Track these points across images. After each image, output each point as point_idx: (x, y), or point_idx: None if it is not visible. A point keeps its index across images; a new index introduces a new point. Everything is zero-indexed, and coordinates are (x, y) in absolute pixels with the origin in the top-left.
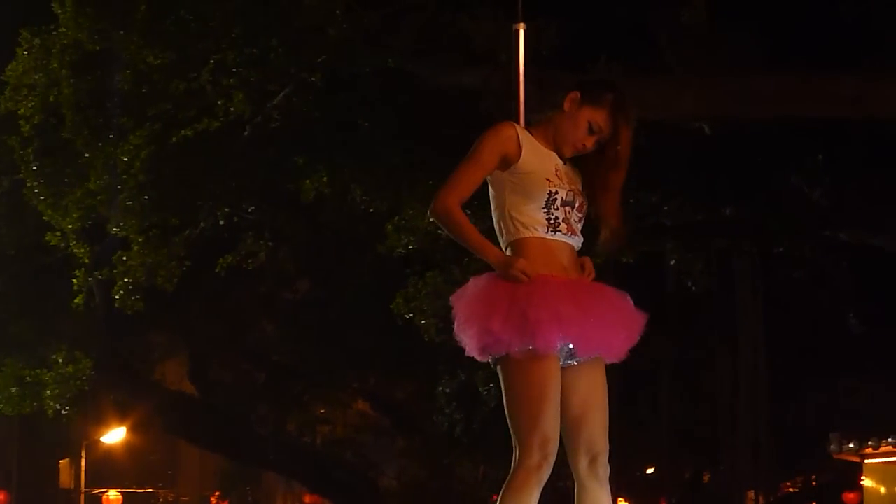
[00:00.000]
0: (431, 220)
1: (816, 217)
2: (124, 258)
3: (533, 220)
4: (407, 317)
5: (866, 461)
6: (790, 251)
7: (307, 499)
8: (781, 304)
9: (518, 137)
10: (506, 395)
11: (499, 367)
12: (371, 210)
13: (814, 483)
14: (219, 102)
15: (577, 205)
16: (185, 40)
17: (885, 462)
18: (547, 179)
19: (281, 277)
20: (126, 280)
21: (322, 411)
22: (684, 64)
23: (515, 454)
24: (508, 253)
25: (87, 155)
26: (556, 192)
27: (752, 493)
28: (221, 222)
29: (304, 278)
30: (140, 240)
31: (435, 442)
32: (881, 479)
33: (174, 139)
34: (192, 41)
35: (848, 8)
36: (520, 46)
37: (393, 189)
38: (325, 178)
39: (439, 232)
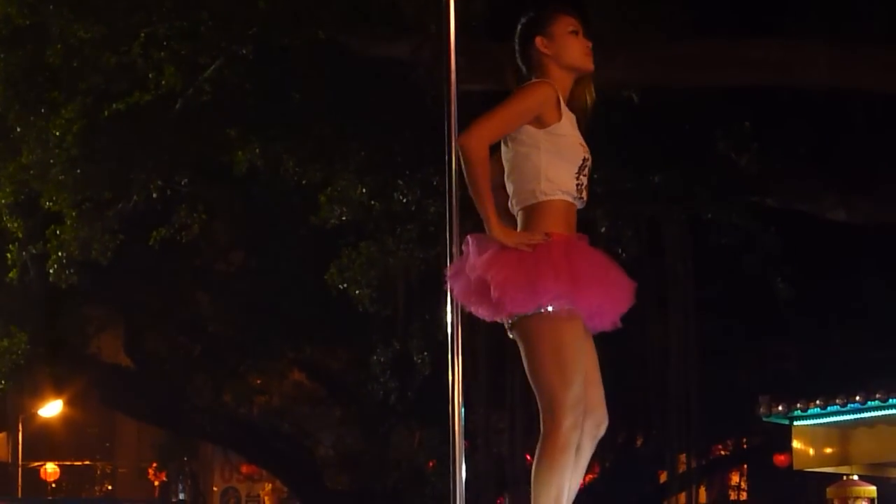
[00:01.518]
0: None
1: (744, 183)
2: (58, 232)
3: (566, 184)
4: (341, 287)
5: (795, 423)
6: (718, 217)
7: (245, 469)
8: (710, 269)
9: (559, 99)
10: (537, 355)
11: (523, 327)
12: (304, 181)
13: (744, 446)
14: (150, 76)
15: (587, 168)
16: (115, 14)
17: (813, 424)
18: (581, 144)
19: (215, 249)
20: (60, 254)
21: (258, 382)
22: (612, 32)
23: (546, 417)
24: (529, 215)
25: (18, 129)
26: (587, 159)
27: (683, 456)
28: (155, 195)
29: (238, 250)
30: (73, 213)
31: (370, 411)
32: (810, 441)
33: (106, 113)
34: (123, 15)
35: None
36: (450, 17)
37: (325, 160)
38: (257, 150)
39: (372, 203)
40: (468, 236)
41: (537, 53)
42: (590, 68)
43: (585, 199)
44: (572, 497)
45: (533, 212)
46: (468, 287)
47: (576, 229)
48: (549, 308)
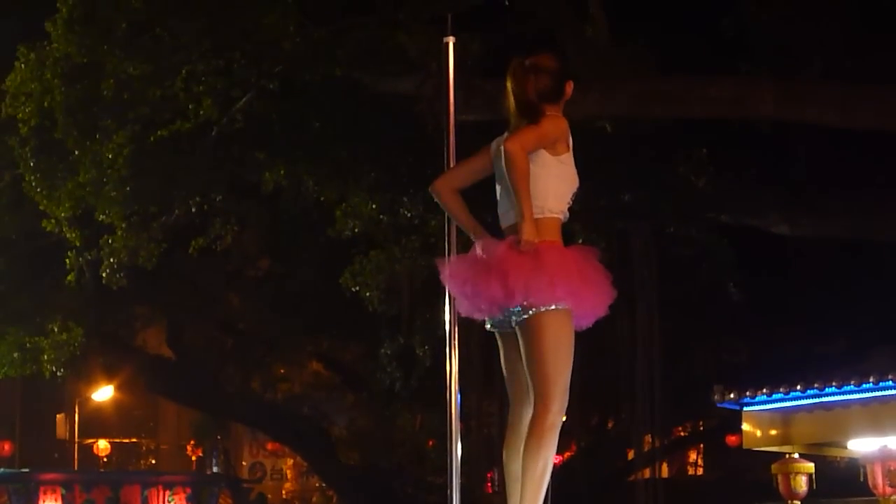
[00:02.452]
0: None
1: (701, 202)
2: (110, 241)
3: (564, 205)
4: (354, 289)
5: (744, 409)
6: (679, 231)
7: (270, 446)
8: (672, 276)
9: (569, 133)
10: (544, 346)
11: (536, 321)
12: (322, 198)
13: (701, 428)
14: (190, 107)
15: None
16: (160, 53)
17: (760, 409)
18: (576, 174)
19: (245, 257)
20: (111, 260)
21: (282, 371)
22: (588, 71)
23: (539, 400)
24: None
25: (76, 153)
26: (578, 187)
27: (648, 437)
28: (193, 210)
29: (264, 257)
30: (123, 225)
31: (378, 396)
32: (757, 424)
33: (152, 139)
34: (167, 54)
35: (728, 24)
36: (449, 57)
37: (340, 180)
38: (282, 172)
39: (381, 217)
40: (479, 240)
41: (565, 94)
42: None
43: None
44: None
45: (539, 224)
46: (468, 281)
47: None
48: (562, 305)
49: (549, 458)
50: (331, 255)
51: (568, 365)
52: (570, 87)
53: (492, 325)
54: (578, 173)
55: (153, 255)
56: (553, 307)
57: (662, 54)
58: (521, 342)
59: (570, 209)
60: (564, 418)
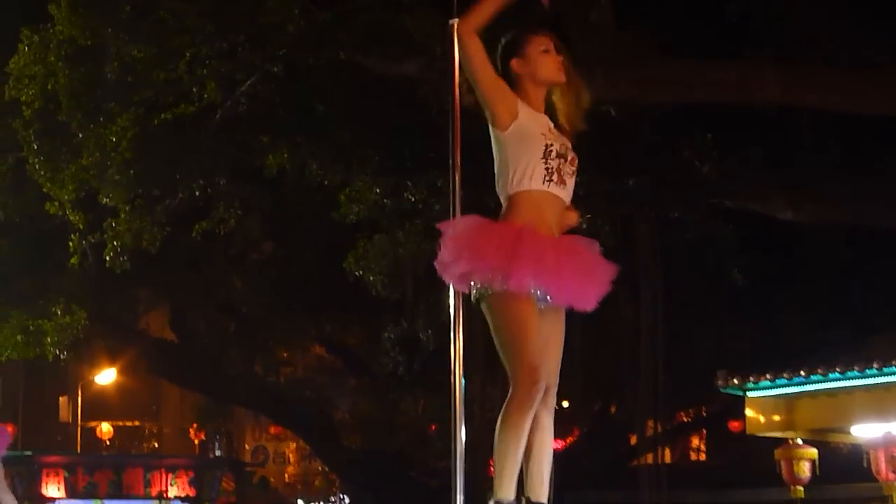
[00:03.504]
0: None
1: (705, 187)
2: (113, 224)
3: (527, 181)
4: (357, 273)
5: (748, 394)
6: (683, 216)
7: (272, 430)
8: (676, 261)
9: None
10: (494, 331)
11: (483, 305)
12: (326, 182)
13: (704, 413)
14: (194, 90)
15: (569, 158)
16: (164, 36)
17: (763, 395)
18: (542, 134)
19: (248, 240)
20: (115, 243)
21: (285, 355)
22: (593, 56)
23: (511, 382)
24: (504, 208)
25: (80, 135)
26: (552, 145)
27: (651, 422)
28: (197, 193)
29: (268, 241)
30: (127, 208)
31: (381, 380)
32: (760, 410)
33: (156, 122)
34: (171, 37)
35: (732, 9)
36: (454, 39)
37: (344, 164)
38: (286, 155)
39: (385, 201)
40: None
41: (513, 73)
42: (561, 80)
43: (560, 182)
44: (541, 457)
45: (511, 203)
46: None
47: (556, 213)
48: (494, 287)
49: (506, 440)
50: (334, 238)
51: (526, 346)
52: (515, 65)
53: None
54: (582, 159)
55: (156, 238)
56: (488, 290)
57: (667, 38)
58: None
59: (575, 194)
60: (560, 405)
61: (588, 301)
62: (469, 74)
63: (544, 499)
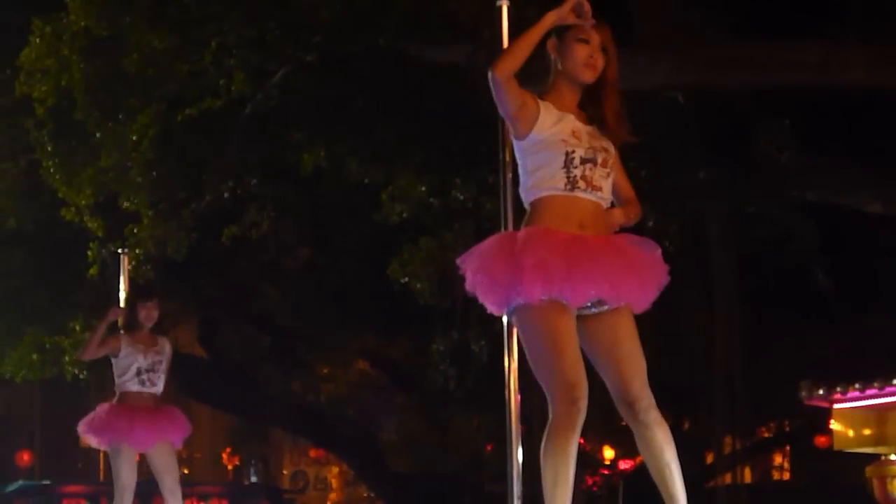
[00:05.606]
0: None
1: (784, 179)
2: (135, 231)
3: (546, 180)
4: (402, 281)
5: (835, 406)
6: (760, 211)
7: (312, 453)
8: (753, 261)
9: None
10: (524, 348)
11: (514, 323)
12: (366, 181)
13: (787, 428)
14: (221, 82)
15: (600, 160)
16: (187, 24)
17: (852, 407)
18: (563, 141)
19: (283, 246)
20: (137, 251)
21: (325, 371)
22: (658, 36)
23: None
24: (527, 213)
25: (98, 135)
26: (574, 151)
27: (729, 439)
28: (226, 195)
29: (304, 246)
30: (150, 213)
31: (430, 397)
32: (849, 423)
33: (179, 118)
34: (195, 25)
35: None
36: (503, 23)
37: (386, 161)
38: (322, 152)
39: (431, 200)
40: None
41: (547, 54)
42: (585, 79)
43: (590, 187)
44: (671, 467)
45: (532, 209)
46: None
47: (590, 215)
48: (521, 301)
49: (553, 465)
50: (376, 243)
51: (547, 362)
52: (550, 45)
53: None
54: (647, 148)
55: (182, 245)
56: (515, 305)
57: (739, 17)
58: None
59: (638, 189)
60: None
61: (639, 302)
62: (497, 100)
63: None
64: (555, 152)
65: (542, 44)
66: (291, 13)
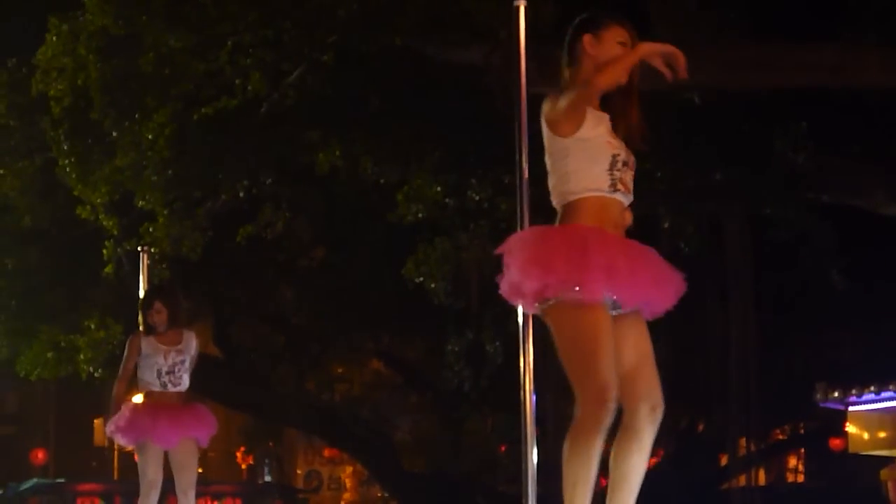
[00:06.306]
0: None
1: (801, 180)
2: (151, 229)
3: (587, 182)
4: (417, 280)
5: (850, 409)
6: (776, 213)
7: (327, 453)
8: (769, 263)
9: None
10: (559, 344)
11: (549, 318)
12: (382, 181)
13: (801, 430)
14: (237, 82)
15: (630, 163)
16: (204, 24)
17: (868, 409)
18: (608, 142)
19: (298, 245)
20: (153, 250)
21: (339, 370)
22: (673, 37)
23: (576, 403)
24: (562, 213)
25: (114, 134)
26: (619, 155)
27: (743, 441)
28: (241, 194)
29: (319, 246)
30: (165, 212)
31: (445, 397)
32: (864, 426)
33: (195, 117)
34: (211, 24)
35: None
36: (520, 23)
37: (402, 161)
38: (337, 152)
39: (446, 200)
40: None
41: (582, 50)
42: (624, 80)
43: (625, 190)
44: (638, 480)
45: (567, 210)
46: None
47: (618, 216)
48: (562, 297)
49: (576, 466)
50: (392, 242)
51: (586, 362)
52: (587, 41)
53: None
54: (663, 149)
55: (198, 244)
56: (555, 299)
57: (755, 18)
58: None
59: (654, 191)
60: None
61: (660, 307)
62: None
63: None
64: (601, 154)
65: (554, 41)
66: (307, 13)
